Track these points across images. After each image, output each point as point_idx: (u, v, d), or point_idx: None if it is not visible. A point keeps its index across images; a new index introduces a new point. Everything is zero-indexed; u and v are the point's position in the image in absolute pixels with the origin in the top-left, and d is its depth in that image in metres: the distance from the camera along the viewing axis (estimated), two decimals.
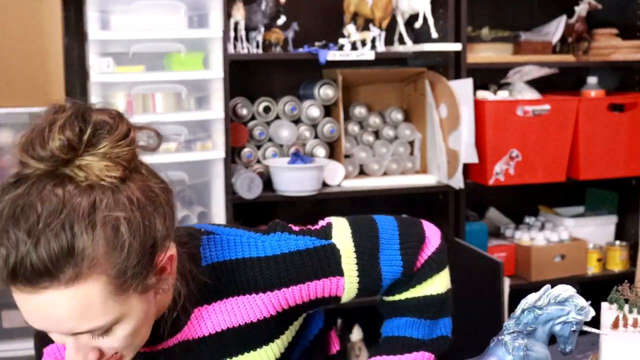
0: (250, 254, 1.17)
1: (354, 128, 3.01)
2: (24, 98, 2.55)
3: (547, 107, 2.95)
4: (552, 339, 1.08)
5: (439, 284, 1.29)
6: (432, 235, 1.30)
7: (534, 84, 3.09)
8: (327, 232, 1.23)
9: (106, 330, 1.00)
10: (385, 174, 3.03)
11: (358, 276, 1.21)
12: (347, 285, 1.21)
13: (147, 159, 1.05)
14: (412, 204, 3.17)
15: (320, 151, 2.94)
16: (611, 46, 3.16)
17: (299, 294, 1.18)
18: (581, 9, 3.15)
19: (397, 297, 1.30)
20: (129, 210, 0.96)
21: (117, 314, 0.99)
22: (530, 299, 1.06)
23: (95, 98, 2.56)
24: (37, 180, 0.95)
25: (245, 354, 1.19)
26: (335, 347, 1.44)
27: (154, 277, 1.02)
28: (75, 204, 0.93)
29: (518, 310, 1.07)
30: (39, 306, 0.94)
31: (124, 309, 0.99)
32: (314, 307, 1.24)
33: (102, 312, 0.97)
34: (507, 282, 2.77)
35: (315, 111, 2.92)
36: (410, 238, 1.26)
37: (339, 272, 1.20)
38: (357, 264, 1.21)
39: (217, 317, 1.16)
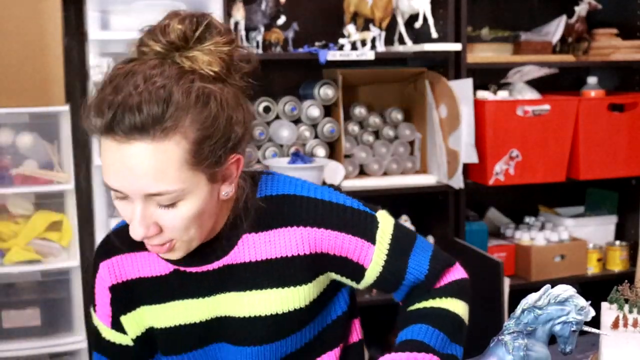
0: (302, 192, 1.28)
1: (354, 128, 3.01)
2: (24, 98, 2.55)
3: (547, 107, 2.95)
4: (552, 339, 1.08)
5: (458, 306, 1.34)
6: (461, 269, 1.40)
7: (534, 84, 3.08)
8: (374, 207, 1.32)
9: (172, 203, 1.11)
10: (385, 174, 3.03)
11: (387, 255, 1.28)
12: (375, 258, 1.28)
13: None
14: (412, 204, 3.17)
15: (320, 151, 2.93)
16: (611, 46, 3.16)
17: (333, 241, 1.26)
18: (581, 9, 3.15)
19: (416, 306, 1.34)
20: (220, 94, 1.12)
21: (186, 186, 1.10)
22: (530, 299, 1.06)
23: None
24: (151, 57, 1.13)
25: (275, 289, 1.27)
26: (357, 336, 1.47)
27: (222, 171, 1.15)
28: (177, 77, 1.09)
29: (518, 310, 1.07)
30: (124, 158, 1.07)
31: (192, 185, 1.11)
32: (341, 269, 1.29)
33: (175, 177, 1.09)
34: (507, 282, 2.77)
35: (315, 111, 2.92)
36: (441, 256, 1.36)
37: (372, 240, 1.28)
38: (390, 244, 1.29)
39: (260, 246, 1.26)
